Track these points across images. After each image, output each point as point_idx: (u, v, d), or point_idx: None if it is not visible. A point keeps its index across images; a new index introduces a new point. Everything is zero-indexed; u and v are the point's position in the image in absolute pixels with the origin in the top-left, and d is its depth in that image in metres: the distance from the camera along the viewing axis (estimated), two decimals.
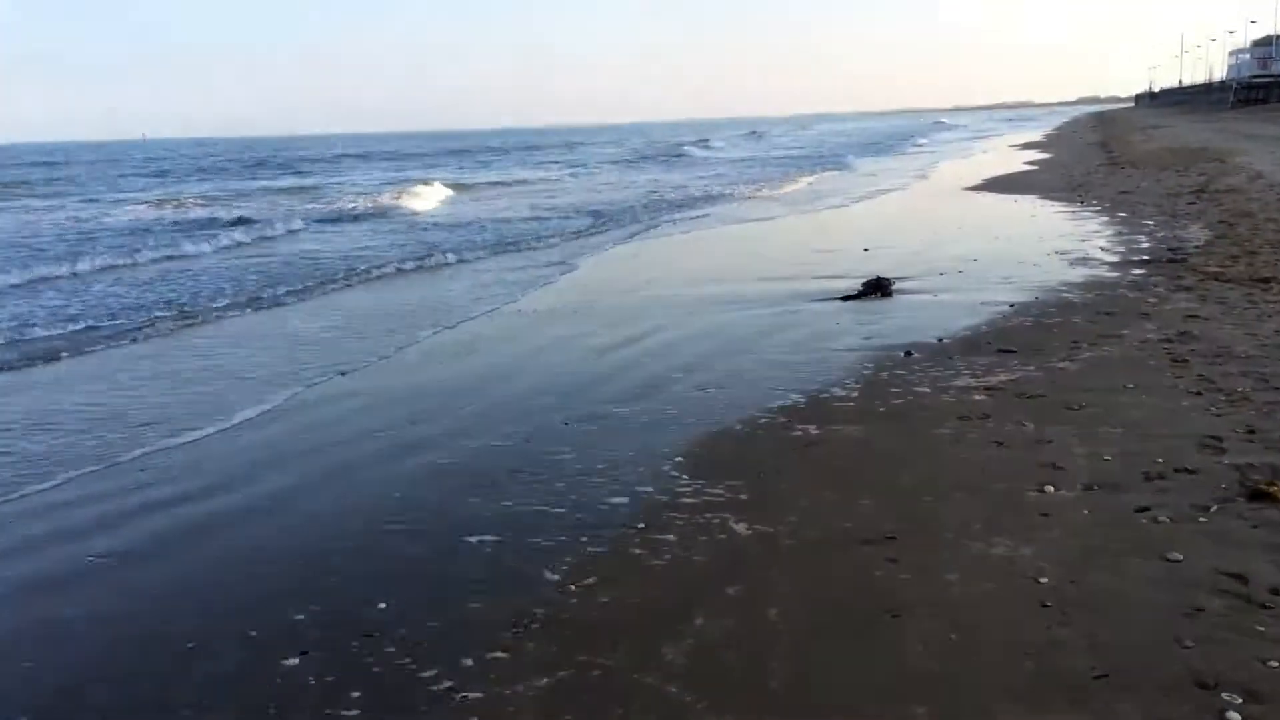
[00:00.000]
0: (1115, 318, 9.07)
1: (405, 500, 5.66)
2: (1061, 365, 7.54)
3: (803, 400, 7.13)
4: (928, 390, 7.14)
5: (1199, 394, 6.53)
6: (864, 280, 11.57)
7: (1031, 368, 7.53)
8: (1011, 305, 9.95)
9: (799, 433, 6.38)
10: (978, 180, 27.08)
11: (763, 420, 6.71)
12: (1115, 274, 11.40)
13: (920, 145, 61.21)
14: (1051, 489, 5.10)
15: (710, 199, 27.10)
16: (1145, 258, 12.36)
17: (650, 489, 5.55)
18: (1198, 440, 5.64)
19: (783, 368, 8.12)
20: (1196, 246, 12.81)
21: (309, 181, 45.64)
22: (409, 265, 16.06)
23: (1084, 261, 12.46)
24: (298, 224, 23.72)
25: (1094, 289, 10.55)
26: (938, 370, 7.67)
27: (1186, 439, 5.68)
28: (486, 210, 26.98)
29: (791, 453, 6.04)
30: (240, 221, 24.69)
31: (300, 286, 14.13)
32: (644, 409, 7.16)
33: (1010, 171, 30.01)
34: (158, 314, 12.33)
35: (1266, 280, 10.10)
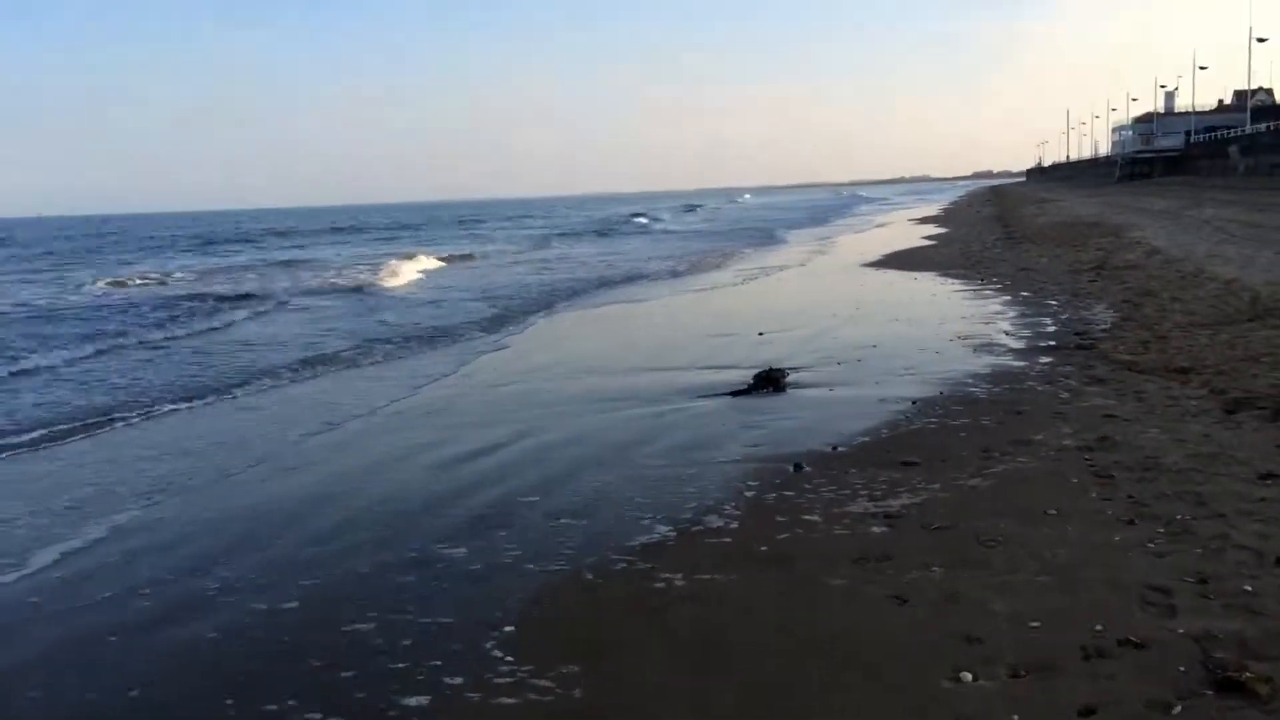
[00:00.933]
0: (1026, 418, 8.13)
1: (133, 707, 4.28)
2: (971, 482, 6.51)
3: (671, 534, 5.95)
4: (818, 519, 6.02)
5: (1132, 523, 5.53)
6: (756, 372, 10.55)
7: (937, 485, 6.48)
8: (914, 402, 8.98)
9: (661, 584, 5.18)
10: (878, 256, 26.66)
11: (620, 565, 5.50)
12: (1022, 363, 10.56)
13: (848, 218, 62.58)
14: (969, 676, 3.97)
15: (641, 277, 25.80)
16: (1052, 343, 11.60)
17: (461, 680, 4.27)
18: (1140, 593, 4.60)
19: (654, 487, 6.95)
20: (1104, 330, 12.13)
21: (306, 255, 44.85)
22: (333, 356, 14.18)
23: (988, 348, 11.64)
24: (238, 312, 21.24)
25: (1001, 381, 9.67)
26: (831, 490, 6.58)
27: (1127, 592, 4.63)
28: (448, 287, 25.17)
29: (648, 617, 4.83)
30: (247, 297, 23.61)
31: (188, 390, 11.97)
32: (481, 549, 5.90)
33: (910, 246, 29.75)
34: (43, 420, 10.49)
35: (1184, 371, 9.33)
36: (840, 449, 7.62)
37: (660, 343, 14.25)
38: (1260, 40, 71.84)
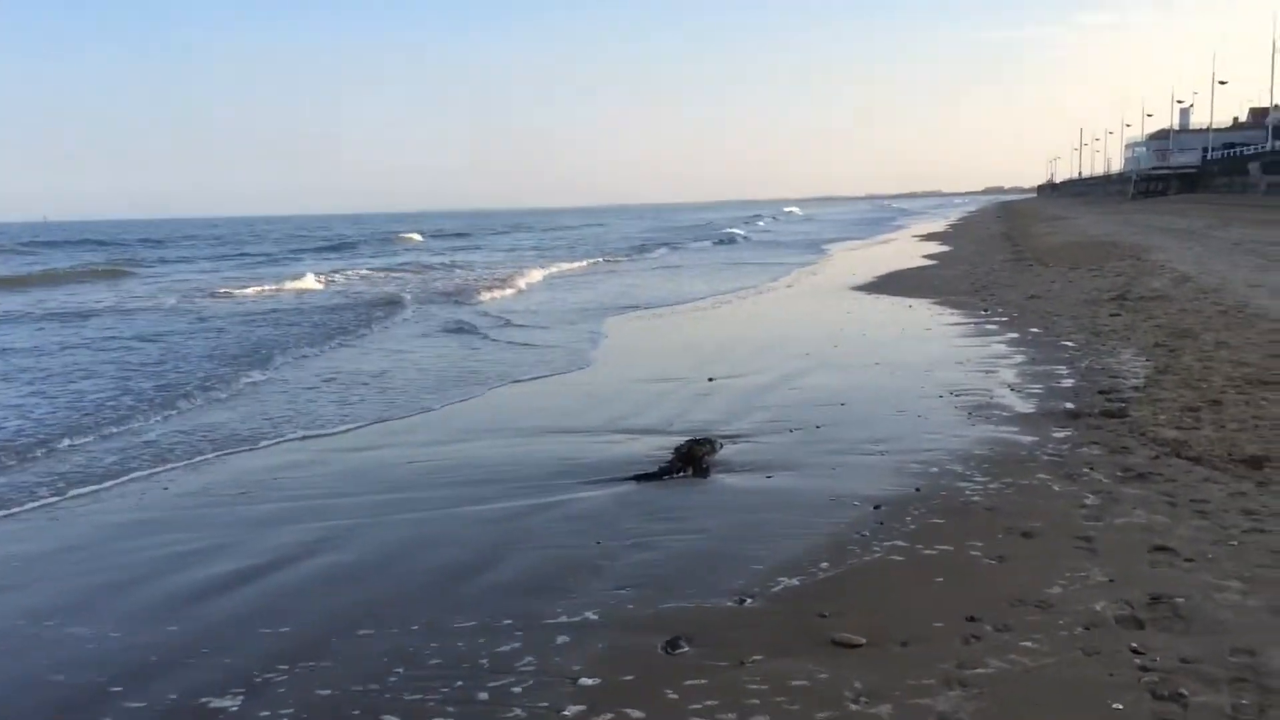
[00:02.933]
0: (1037, 547, 5.46)
1: None
2: (943, 703, 3.84)
3: None
4: None
5: None
6: (679, 444, 7.95)
7: (885, 709, 3.80)
8: (877, 507, 6.32)
9: None
10: (871, 276, 23.98)
11: None
12: (1031, 437, 7.89)
13: (896, 229, 61.20)
14: None
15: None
16: (1069, 406, 8.92)
17: None
18: None
19: (412, 687, 4.28)
20: (1136, 387, 9.45)
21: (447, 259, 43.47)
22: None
23: (987, 409, 8.98)
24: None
25: (1002, 470, 7.00)
26: (707, 706, 3.90)
27: None
28: (540, 306, 21.56)
29: None
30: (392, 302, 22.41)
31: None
32: None
33: (909, 266, 27.08)
34: None
35: (1257, 463, 6.65)
36: (750, 601, 4.95)
37: (587, 389, 11.55)
38: None
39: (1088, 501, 6.16)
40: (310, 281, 28.82)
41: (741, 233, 63.37)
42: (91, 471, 8.32)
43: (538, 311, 20.02)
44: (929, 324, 15.21)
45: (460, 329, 17.42)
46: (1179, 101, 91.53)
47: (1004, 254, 29.15)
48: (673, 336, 16.41)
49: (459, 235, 76.51)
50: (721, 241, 52.73)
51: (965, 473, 6.98)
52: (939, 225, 60.40)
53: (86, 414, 10.58)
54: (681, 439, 8.20)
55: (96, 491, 7.75)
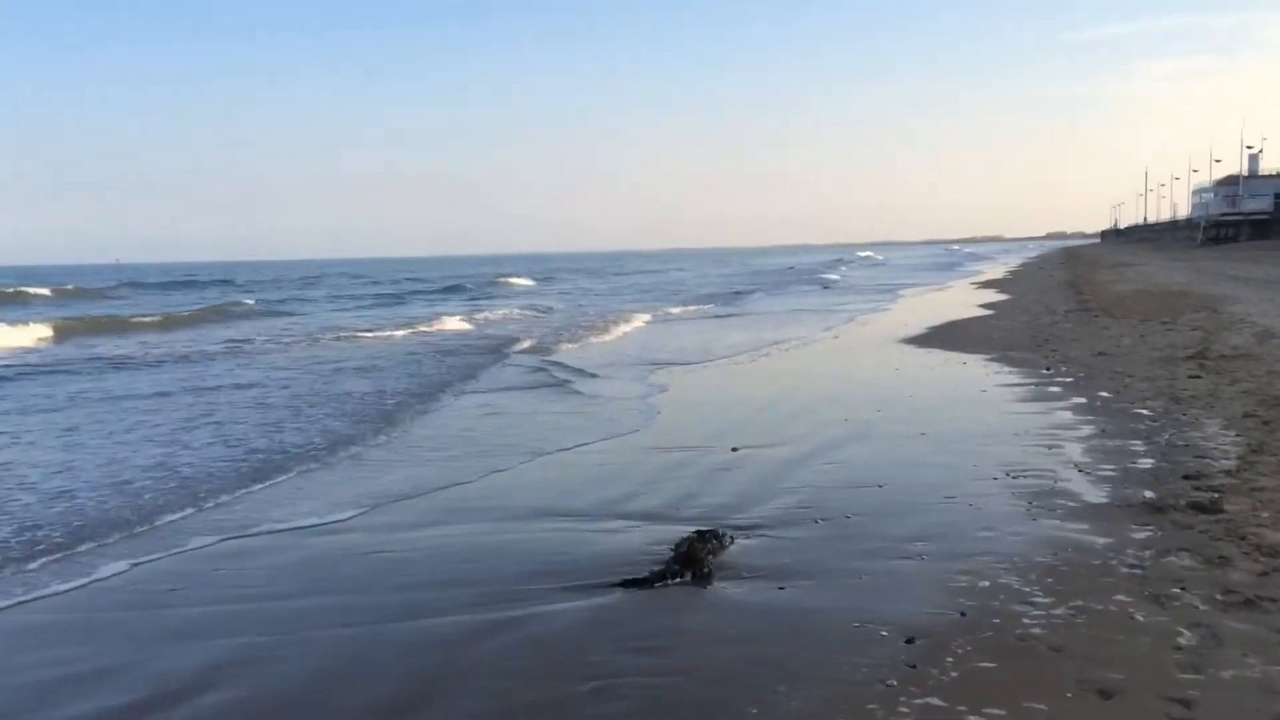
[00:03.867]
0: (1119, 709, 4.16)
1: None
2: None
3: None
4: None
5: None
6: (680, 540, 6.74)
7: None
8: (910, 640, 5.03)
9: None
10: (923, 327, 22.54)
11: None
12: (1105, 539, 6.54)
13: (964, 274, 60.19)
14: None
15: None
16: (1150, 495, 7.54)
17: None
18: None
19: None
20: (1228, 470, 8.04)
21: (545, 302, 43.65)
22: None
23: (1050, 498, 7.63)
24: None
25: (1070, 587, 5.67)
26: None
27: None
28: (626, 355, 20.06)
29: None
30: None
31: None
32: None
33: (965, 316, 25.58)
34: None
35: None
36: None
37: (594, 461, 10.33)
38: None
39: (1182, 641, 4.82)
40: (456, 323, 30.09)
41: (836, 277, 63.80)
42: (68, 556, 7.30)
43: (617, 363, 18.67)
44: (984, 384, 13.81)
45: (539, 384, 16.06)
46: (1248, 147, 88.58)
47: (1068, 303, 27.53)
48: (727, 391, 15.21)
49: (545, 280, 75.73)
50: (825, 287, 52.25)
51: (1023, 589, 5.66)
52: (999, 271, 58.53)
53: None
54: (688, 528, 7.01)
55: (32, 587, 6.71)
